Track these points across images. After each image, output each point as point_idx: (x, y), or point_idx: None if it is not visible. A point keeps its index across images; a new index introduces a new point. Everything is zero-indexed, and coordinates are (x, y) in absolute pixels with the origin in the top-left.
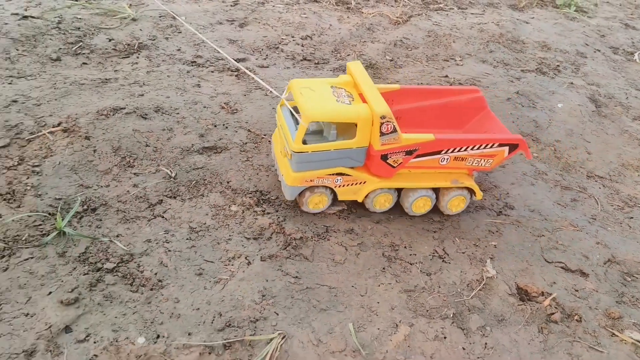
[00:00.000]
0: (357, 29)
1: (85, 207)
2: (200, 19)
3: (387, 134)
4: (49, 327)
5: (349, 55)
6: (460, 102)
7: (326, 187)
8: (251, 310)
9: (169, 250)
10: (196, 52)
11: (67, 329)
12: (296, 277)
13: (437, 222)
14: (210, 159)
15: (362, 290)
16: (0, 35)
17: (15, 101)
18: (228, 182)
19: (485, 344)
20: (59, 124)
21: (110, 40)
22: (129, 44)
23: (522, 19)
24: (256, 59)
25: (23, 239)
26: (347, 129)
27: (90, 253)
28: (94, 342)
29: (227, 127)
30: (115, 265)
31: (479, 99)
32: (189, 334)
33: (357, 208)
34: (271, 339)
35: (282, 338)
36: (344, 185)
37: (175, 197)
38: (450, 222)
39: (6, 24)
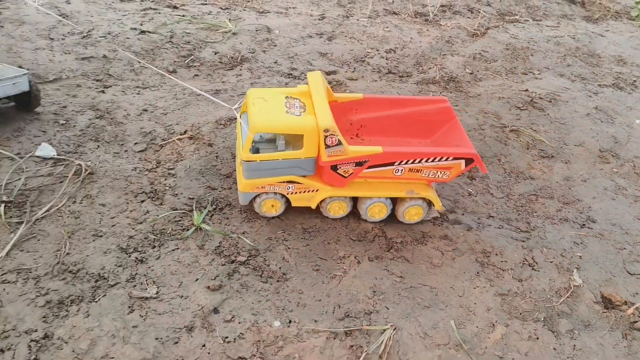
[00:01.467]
0: (436, 42)
1: (214, 206)
2: (292, 32)
3: (332, 146)
4: (201, 308)
5: (430, 68)
6: (426, 112)
7: (278, 193)
8: (365, 304)
9: (289, 248)
10: (291, 65)
11: (215, 310)
12: (400, 276)
13: (525, 232)
14: None
15: (460, 292)
16: (124, 48)
17: (145, 110)
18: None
19: (574, 346)
20: (185, 132)
21: (216, 53)
22: (232, 57)
23: (597, 31)
24: (345, 72)
25: (168, 232)
26: (296, 140)
27: (224, 247)
28: (239, 323)
29: None
30: (246, 258)
31: (446, 109)
32: (315, 321)
33: (447, 217)
34: (384, 330)
35: (394, 329)
36: (296, 193)
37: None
38: (537, 233)
39: (128, 38)
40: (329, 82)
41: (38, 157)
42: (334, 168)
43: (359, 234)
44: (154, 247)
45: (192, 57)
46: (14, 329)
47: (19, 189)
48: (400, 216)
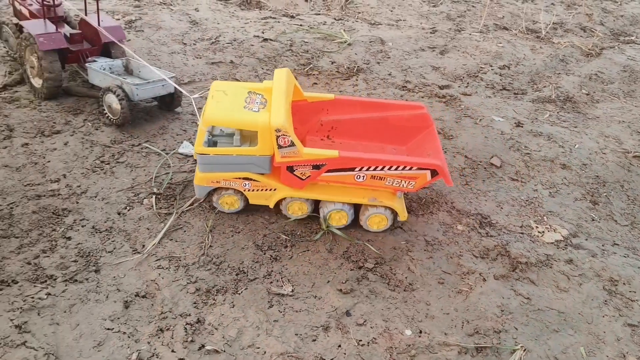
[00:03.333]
0: (550, 60)
1: None
2: (404, 45)
3: (285, 147)
4: (335, 309)
5: (545, 87)
6: (402, 118)
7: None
8: (494, 322)
9: (413, 259)
10: (405, 77)
11: (348, 313)
12: (527, 298)
13: None
14: None
15: (588, 319)
16: (249, 55)
17: None
18: (452, 203)
19: None
20: None
21: (332, 62)
22: (348, 67)
23: None
24: (458, 87)
25: (298, 234)
26: (253, 136)
27: (351, 253)
28: (371, 327)
29: (445, 152)
30: (373, 265)
31: (423, 116)
32: (445, 334)
33: (571, 241)
34: (514, 350)
35: (524, 350)
36: (253, 190)
37: (409, 212)
38: None
39: (252, 45)
40: (442, 97)
41: (180, 154)
42: (291, 169)
43: (481, 251)
44: (286, 247)
45: (311, 65)
46: (170, 311)
47: (167, 182)
48: (363, 223)
